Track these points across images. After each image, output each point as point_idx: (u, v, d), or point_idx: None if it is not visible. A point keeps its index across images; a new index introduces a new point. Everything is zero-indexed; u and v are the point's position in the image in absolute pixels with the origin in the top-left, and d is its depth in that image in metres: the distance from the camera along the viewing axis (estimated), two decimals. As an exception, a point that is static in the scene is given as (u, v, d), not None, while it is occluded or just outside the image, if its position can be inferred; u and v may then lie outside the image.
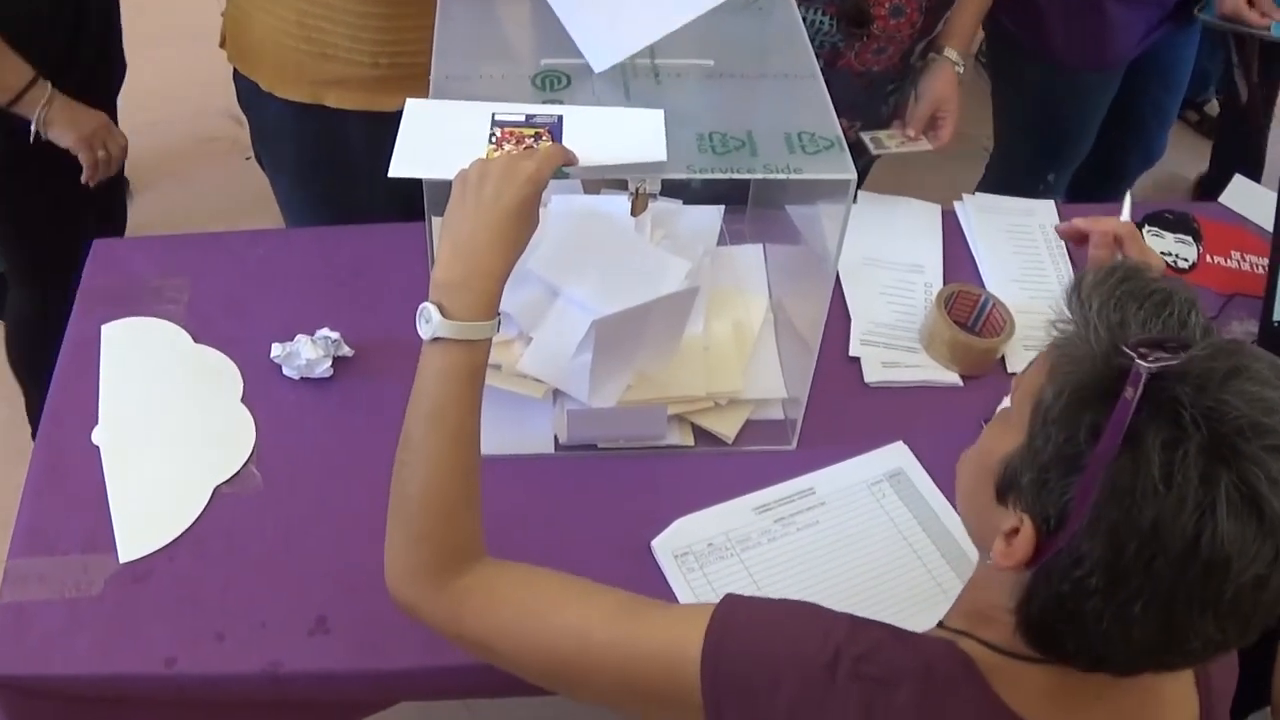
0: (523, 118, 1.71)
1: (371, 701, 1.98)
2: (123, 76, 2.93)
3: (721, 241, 2.31)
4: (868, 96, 2.64)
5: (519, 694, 1.81)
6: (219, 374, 2.12)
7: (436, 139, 1.68)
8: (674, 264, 2.11)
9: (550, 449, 2.04)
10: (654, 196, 1.99)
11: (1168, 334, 1.17)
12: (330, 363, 2.09)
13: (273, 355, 2.10)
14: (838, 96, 2.51)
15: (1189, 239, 2.59)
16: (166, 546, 1.88)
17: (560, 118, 1.72)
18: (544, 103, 1.78)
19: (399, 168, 1.63)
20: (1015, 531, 1.20)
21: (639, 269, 2.08)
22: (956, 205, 2.57)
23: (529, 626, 1.43)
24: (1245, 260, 2.55)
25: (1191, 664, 1.27)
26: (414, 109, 1.73)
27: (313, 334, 2.11)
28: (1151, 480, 1.09)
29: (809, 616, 1.34)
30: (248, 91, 2.55)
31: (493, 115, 1.71)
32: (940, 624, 1.40)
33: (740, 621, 1.34)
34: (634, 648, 1.37)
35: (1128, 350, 1.13)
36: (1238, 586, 1.10)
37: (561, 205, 2.20)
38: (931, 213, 2.54)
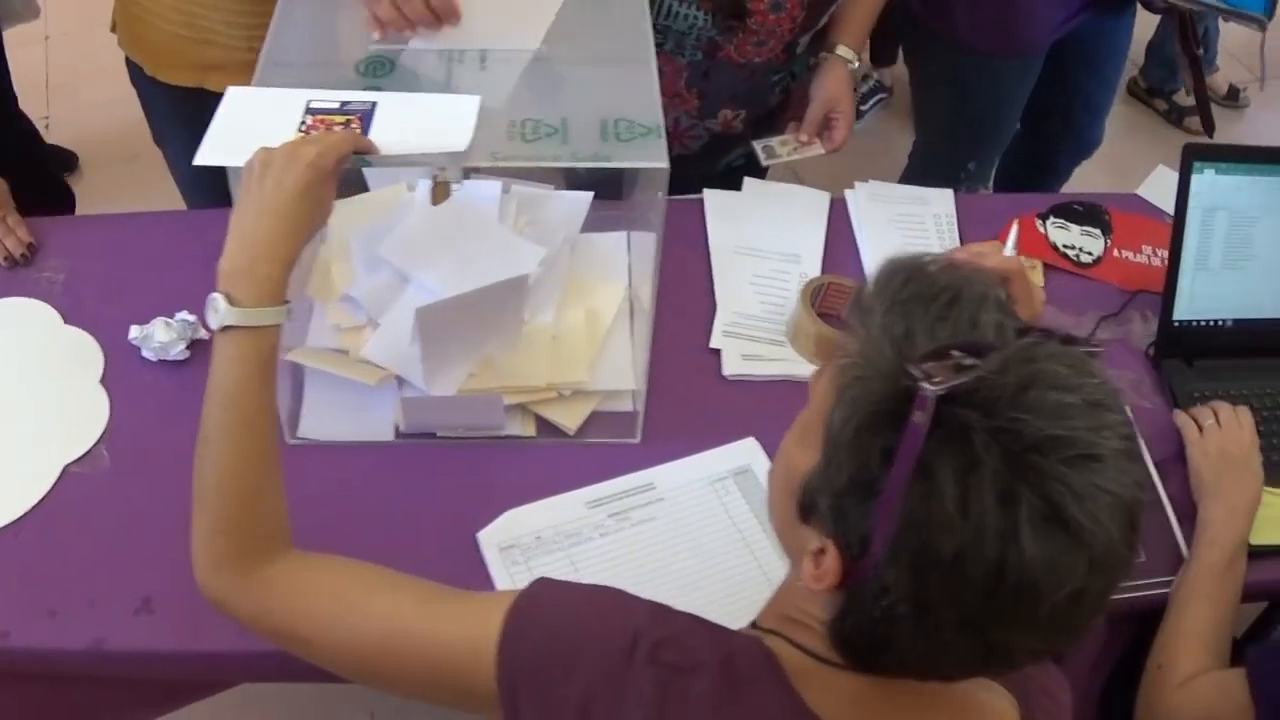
0: (337, 105, 1.74)
1: (201, 682, 2.01)
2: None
3: (593, 228, 2.31)
4: (751, 86, 2.62)
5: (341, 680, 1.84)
6: (82, 355, 2.16)
7: (249, 127, 1.70)
8: (528, 250, 2.12)
9: (391, 437, 2.05)
10: (459, 184, 2.00)
11: (958, 340, 1.13)
12: (185, 345, 2.12)
13: (130, 337, 2.14)
14: (721, 87, 2.51)
15: (1097, 231, 2.56)
16: (14, 522, 1.93)
17: (374, 104, 1.74)
18: (366, 89, 1.80)
19: (204, 156, 1.66)
20: (822, 552, 1.18)
21: (493, 255, 2.09)
22: (847, 193, 2.54)
23: (336, 617, 1.44)
24: (1156, 255, 2.51)
25: (1019, 668, 1.25)
26: (233, 96, 1.76)
27: (173, 316, 2.14)
28: (947, 511, 1.06)
29: (612, 602, 1.35)
30: (136, 75, 2.60)
31: (307, 103, 1.74)
32: (753, 623, 1.39)
33: (540, 607, 1.34)
34: (436, 635, 1.38)
35: (912, 370, 1.09)
36: (1052, 604, 1.08)
37: (426, 191, 2.22)
38: (819, 201, 2.53)
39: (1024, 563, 1.05)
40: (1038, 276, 2.47)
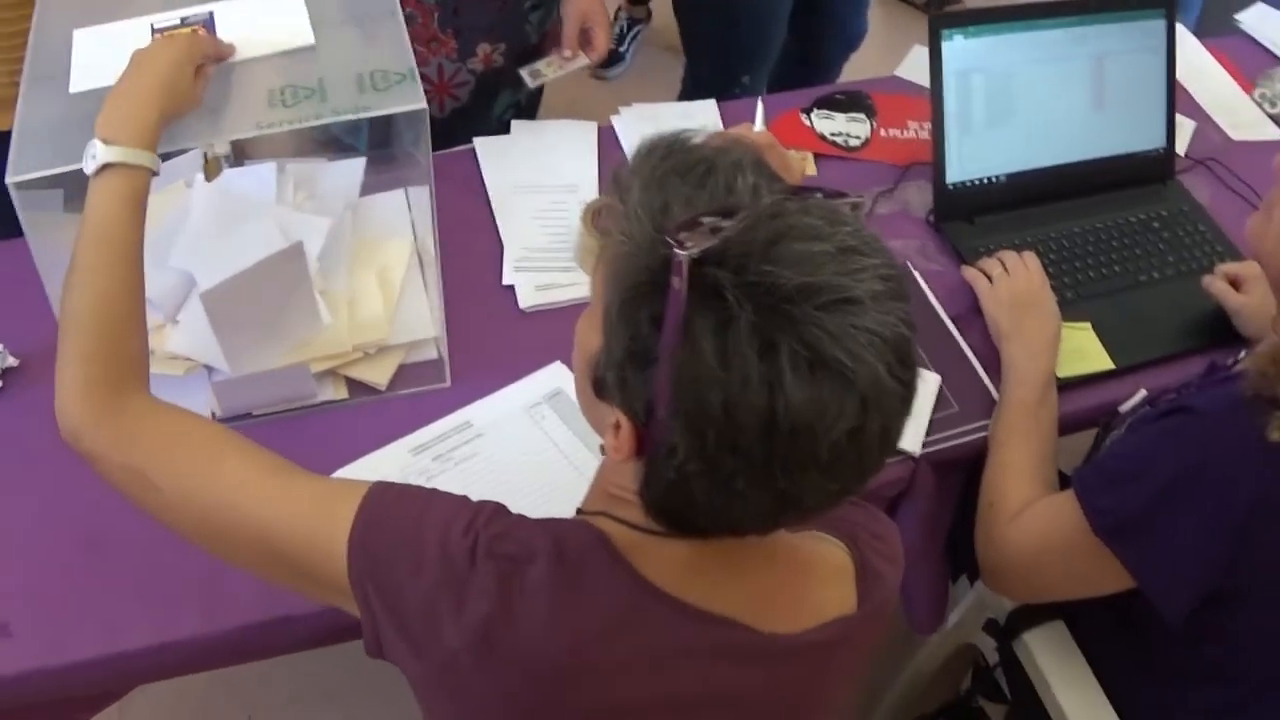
0: (179, 20, 1.89)
1: (80, 697, 2.04)
2: None
3: (372, 191, 2.40)
4: (504, 17, 2.70)
5: (195, 669, 1.90)
6: (-104, 400, 2.20)
7: (108, 54, 1.81)
8: (314, 224, 2.20)
9: (210, 424, 2.11)
10: (228, 159, 2.07)
11: (713, 206, 1.20)
12: (-4, 376, 2.18)
13: (-61, 374, 2.18)
14: (474, 22, 2.59)
15: (862, 116, 2.70)
16: None
17: (211, 14, 1.91)
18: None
19: (80, 82, 1.82)
20: (617, 425, 1.26)
21: (279, 235, 2.16)
22: (614, 119, 2.65)
23: (188, 466, 1.51)
24: (923, 129, 2.66)
25: (824, 510, 1.30)
26: (80, 38, 1.90)
27: (-20, 349, 2.19)
28: (709, 366, 1.14)
29: (453, 504, 1.41)
30: None
31: (151, 25, 1.89)
32: (579, 510, 1.48)
33: (388, 508, 1.41)
34: (283, 519, 1.45)
35: (669, 239, 1.15)
36: (831, 444, 1.16)
37: (204, 190, 2.29)
38: (587, 130, 2.63)
39: (792, 406, 1.13)
40: (810, 166, 2.61)
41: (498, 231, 2.42)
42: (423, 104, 1.81)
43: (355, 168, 2.37)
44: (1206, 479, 1.77)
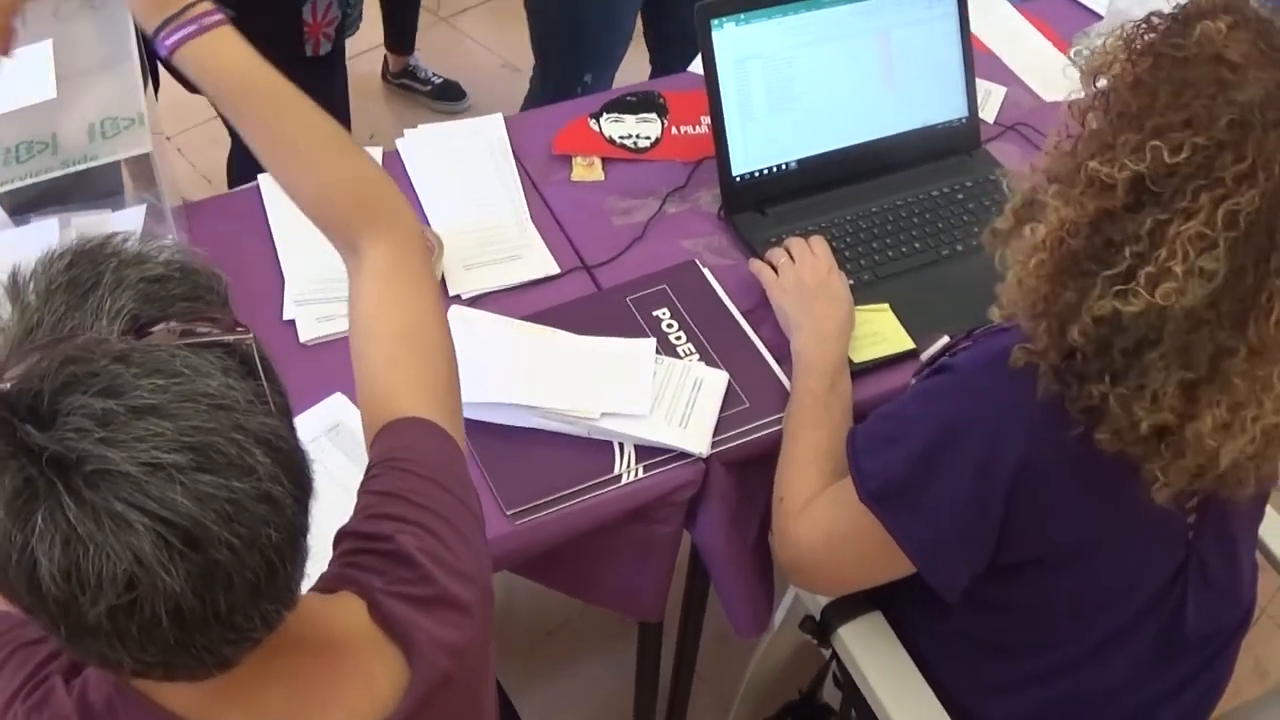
0: None
1: None
2: None
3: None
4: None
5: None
6: None
7: None
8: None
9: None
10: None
11: (39, 341, 1.16)
12: None
13: None
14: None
15: (653, 116, 2.77)
16: None
17: None
18: None
19: None
20: None
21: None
22: (399, 142, 2.70)
23: None
24: (717, 123, 2.71)
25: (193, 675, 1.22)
26: None
27: None
28: None
29: (21, 675, 1.35)
30: None
31: None
32: None
33: None
34: None
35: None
36: (100, 617, 1.08)
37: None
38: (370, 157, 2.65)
39: (50, 577, 1.06)
40: (596, 171, 2.68)
41: (279, 265, 2.46)
42: (148, 148, 1.89)
43: (136, 215, 2.41)
44: (964, 441, 1.80)
